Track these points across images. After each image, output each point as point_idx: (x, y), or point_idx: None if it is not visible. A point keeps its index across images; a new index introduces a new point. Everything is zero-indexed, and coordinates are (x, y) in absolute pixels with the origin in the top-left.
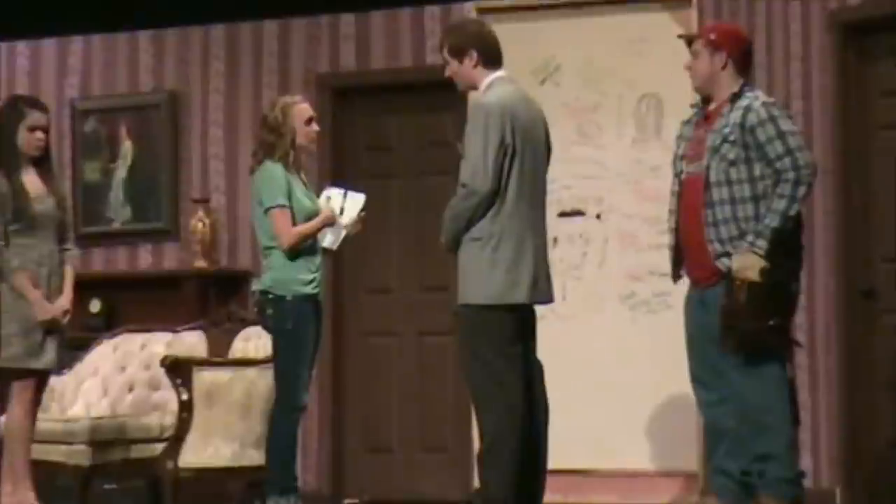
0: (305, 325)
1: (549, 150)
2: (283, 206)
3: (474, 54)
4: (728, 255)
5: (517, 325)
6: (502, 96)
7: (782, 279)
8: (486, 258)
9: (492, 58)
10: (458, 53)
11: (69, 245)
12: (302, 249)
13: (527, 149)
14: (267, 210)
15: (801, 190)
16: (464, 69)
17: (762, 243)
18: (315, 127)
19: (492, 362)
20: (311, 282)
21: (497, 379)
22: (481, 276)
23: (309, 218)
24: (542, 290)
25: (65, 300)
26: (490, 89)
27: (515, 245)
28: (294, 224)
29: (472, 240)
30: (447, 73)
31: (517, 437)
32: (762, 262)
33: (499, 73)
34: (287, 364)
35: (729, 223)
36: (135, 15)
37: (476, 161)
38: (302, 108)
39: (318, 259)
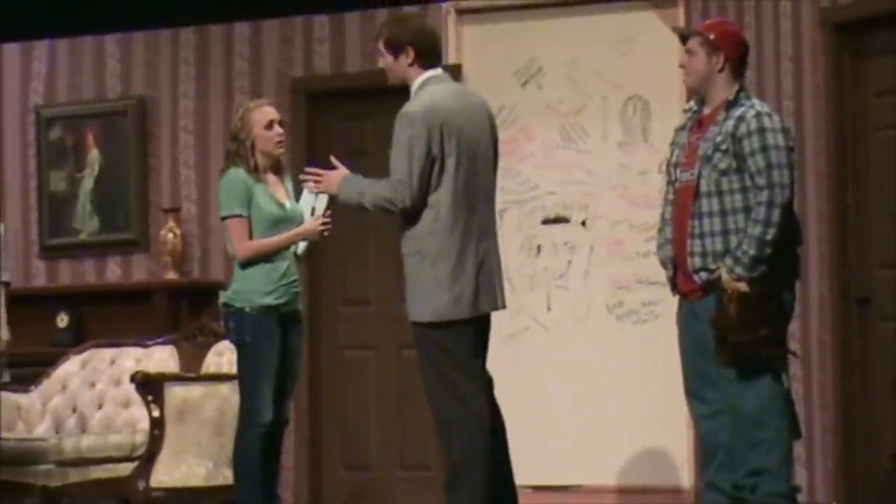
0: (266, 338)
1: (495, 142)
2: (238, 216)
3: (411, 52)
4: (706, 269)
5: (473, 337)
6: (432, 101)
7: (773, 289)
8: (427, 275)
9: (429, 57)
10: (395, 49)
11: None
12: (260, 259)
13: (462, 150)
14: (223, 219)
15: (776, 213)
16: (398, 65)
17: (741, 270)
18: (277, 130)
19: (451, 376)
20: (272, 292)
21: (459, 393)
22: (425, 293)
23: (274, 225)
24: (487, 300)
25: None
26: (420, 92)
27: (454, 260)
28: (251, 232)
29: (411, 254)
30: (380, 63)
31: (486, 454)
32: (743, 286)
33: (431, 73)
34: (245, 379)
35: (716, 237)
36: (101, 18)
37: (401, 175)
38: (263, 112)
39: (283, 267)
